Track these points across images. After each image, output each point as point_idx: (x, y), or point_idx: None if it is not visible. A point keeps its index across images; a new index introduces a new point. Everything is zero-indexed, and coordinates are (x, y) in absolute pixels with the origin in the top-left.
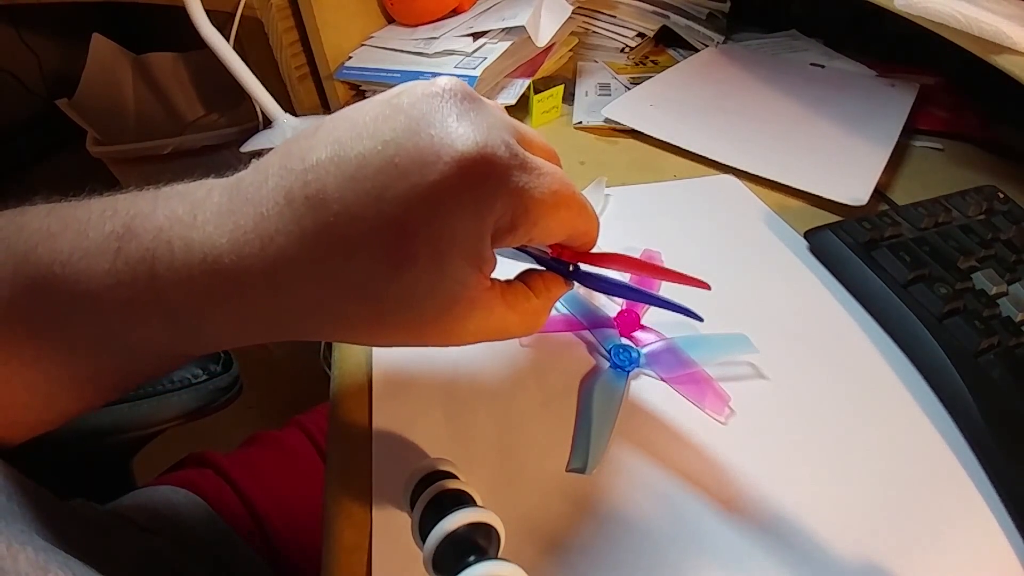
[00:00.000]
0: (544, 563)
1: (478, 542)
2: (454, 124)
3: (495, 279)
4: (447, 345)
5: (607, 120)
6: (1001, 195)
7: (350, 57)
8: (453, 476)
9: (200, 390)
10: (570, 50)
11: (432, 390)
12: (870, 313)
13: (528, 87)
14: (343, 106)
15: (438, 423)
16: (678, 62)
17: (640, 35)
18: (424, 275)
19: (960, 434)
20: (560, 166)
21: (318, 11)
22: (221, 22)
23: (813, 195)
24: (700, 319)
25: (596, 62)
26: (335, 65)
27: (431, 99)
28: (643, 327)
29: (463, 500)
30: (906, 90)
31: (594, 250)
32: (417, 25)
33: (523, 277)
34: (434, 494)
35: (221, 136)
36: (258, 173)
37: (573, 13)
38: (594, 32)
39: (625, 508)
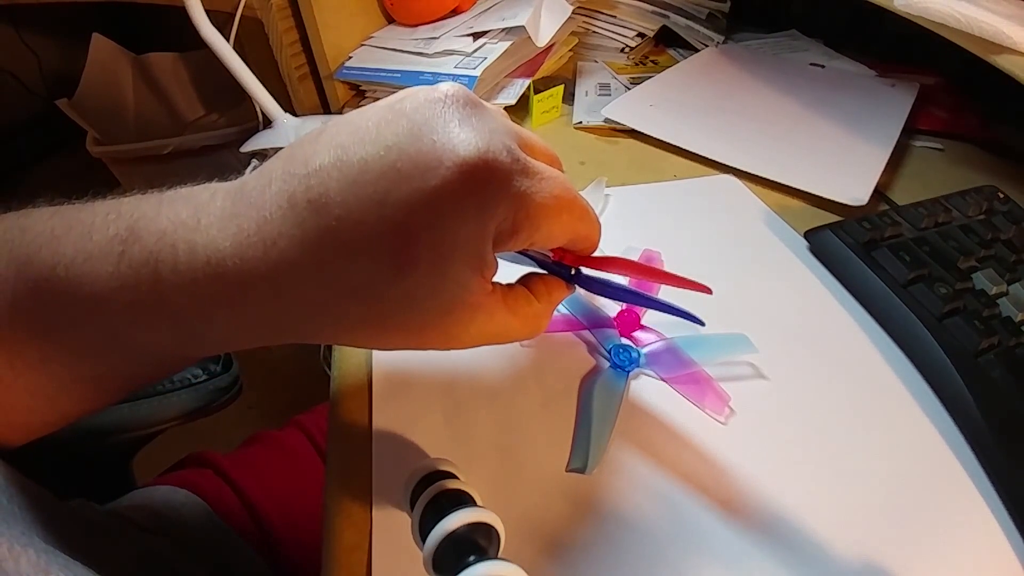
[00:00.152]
0: (544, 563)
1: (478, 542)
2: (456, 129)
3: (497, 283)
4: (448, 348)
5: (607, 120)
6: (1001, 195)
7: (350, 57)
8: (453, 476)
9: (200, 390)
10: (570, 50)
11: (432, 390)
12: (870, 313)
13: (528, 87)
14: (343, 106)
15: (438, 423)
16: (678, 62)
17: (640, 35)
18: (426, 279)
19: (960, 434)
20: (562, 171)
21: (318, 11)
22: (221, 22)
23: (813, 195)
24: (702, 323)
25: (596, 62)
26: (335, 65)
27: (433, 104)
28: (643, 327)
29: (463, 500)
30: (906, 90)
31: (595, 253)
32: (417, 25)
33: (525, 281)
34: (434, 494)
35: (221, 136)
36: (261, 177)
37: (573, 13)
38: (594, 32)
39: (625, 508)
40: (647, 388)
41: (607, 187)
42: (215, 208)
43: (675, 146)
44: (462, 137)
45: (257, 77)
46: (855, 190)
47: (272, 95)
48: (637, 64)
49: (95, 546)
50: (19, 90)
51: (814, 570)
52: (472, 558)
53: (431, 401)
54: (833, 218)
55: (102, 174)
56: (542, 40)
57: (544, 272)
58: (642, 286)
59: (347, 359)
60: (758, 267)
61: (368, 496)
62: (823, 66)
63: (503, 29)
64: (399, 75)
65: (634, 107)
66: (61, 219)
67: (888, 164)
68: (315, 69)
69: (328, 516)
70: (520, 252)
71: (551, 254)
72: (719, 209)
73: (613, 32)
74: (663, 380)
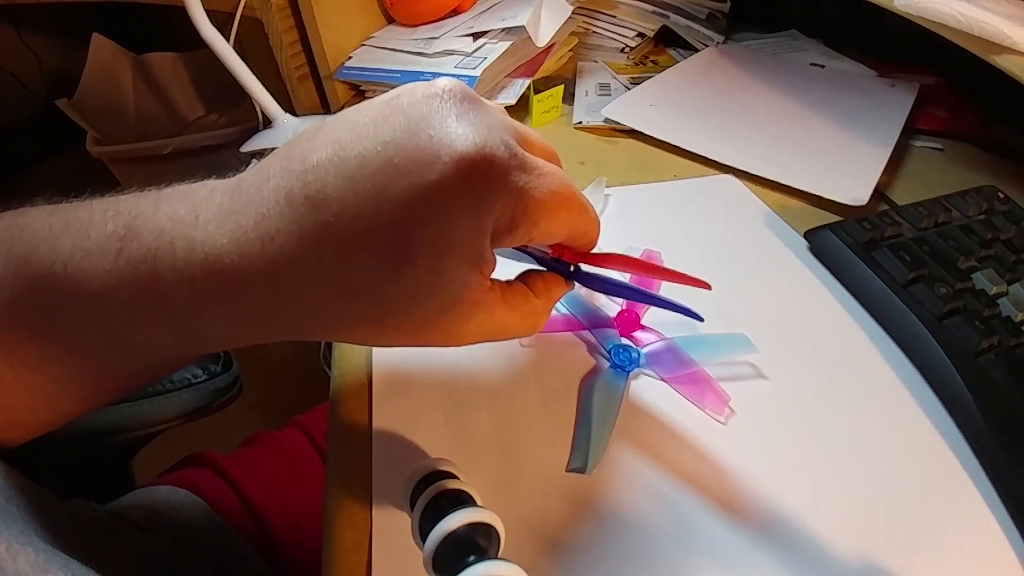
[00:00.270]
0: (544, 563)
1: (478, 542)
2: (453, 125)
3: (495, 280)
4: (447, 345)
5: (607, 120)
6: (1001, 195)
7: (350, 57)
8: (453, 476)
9: (200, 390)
10: (570, 50)
11: (432, 390)
12: (870, 313)
13: (528, 87)
14: (343, 106)
15: (438, 423)
16: (678, 62)
17: (640, 35)
18: (424, 275)
19: (960, 434)
20: (561, 166)
21: (318, 11)
22: (221, 22)
23: (813, 195)
24: (701, 319)
25: (596, 62)
26: (335, 65)
27: (431, 100)
28: (643, 327)
29: (463, 500)
30: (906, 90)
31: (594, 250)
32: (417, 25)
33: (523, 278)
34: (434, 494)
35: (221, 136)
36: (259, 174)
37: (573, 13)
38: (594, 32)
39: (625, 508)
40: (647, 388)
41: (607, 187)
42: (213, 205)
43: (675, 146)
44: (459, 132)
45: (257, 77)
46: (855, 190)
47: (272, 95)
48: (637, 64)
49: (94, 546)
50: (19, 90)
51: (814, 570)
52: (472, 558)
53: (431, 401)
54: (833, 218)
55: (102, 174)
56: (542, 40)
57: (543, 269)
58: (641, 283)
59: (347, 359)
60: (758, 267)
61: (368, 496)
62: (823, 66)
63: (503, 29)
64: (399, 75)
65: (634, 107)
66: (59, 217)
67: (888, 164)
68: (315, 69)
69: (328, 516)
70: (519, 249)
71: (550, 251)
72: (719, 209)
73: (613, 32)
74: (663, 380)
